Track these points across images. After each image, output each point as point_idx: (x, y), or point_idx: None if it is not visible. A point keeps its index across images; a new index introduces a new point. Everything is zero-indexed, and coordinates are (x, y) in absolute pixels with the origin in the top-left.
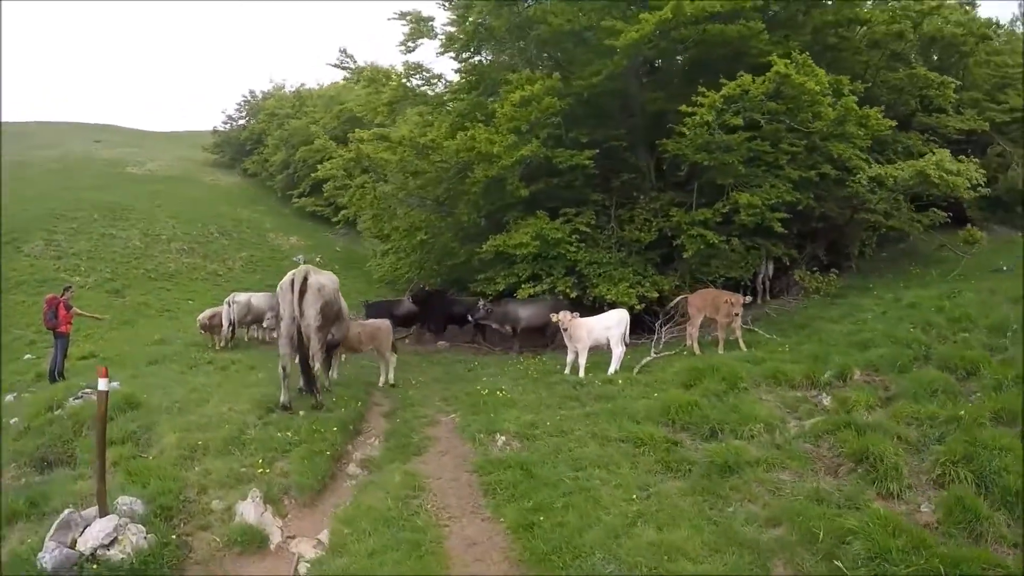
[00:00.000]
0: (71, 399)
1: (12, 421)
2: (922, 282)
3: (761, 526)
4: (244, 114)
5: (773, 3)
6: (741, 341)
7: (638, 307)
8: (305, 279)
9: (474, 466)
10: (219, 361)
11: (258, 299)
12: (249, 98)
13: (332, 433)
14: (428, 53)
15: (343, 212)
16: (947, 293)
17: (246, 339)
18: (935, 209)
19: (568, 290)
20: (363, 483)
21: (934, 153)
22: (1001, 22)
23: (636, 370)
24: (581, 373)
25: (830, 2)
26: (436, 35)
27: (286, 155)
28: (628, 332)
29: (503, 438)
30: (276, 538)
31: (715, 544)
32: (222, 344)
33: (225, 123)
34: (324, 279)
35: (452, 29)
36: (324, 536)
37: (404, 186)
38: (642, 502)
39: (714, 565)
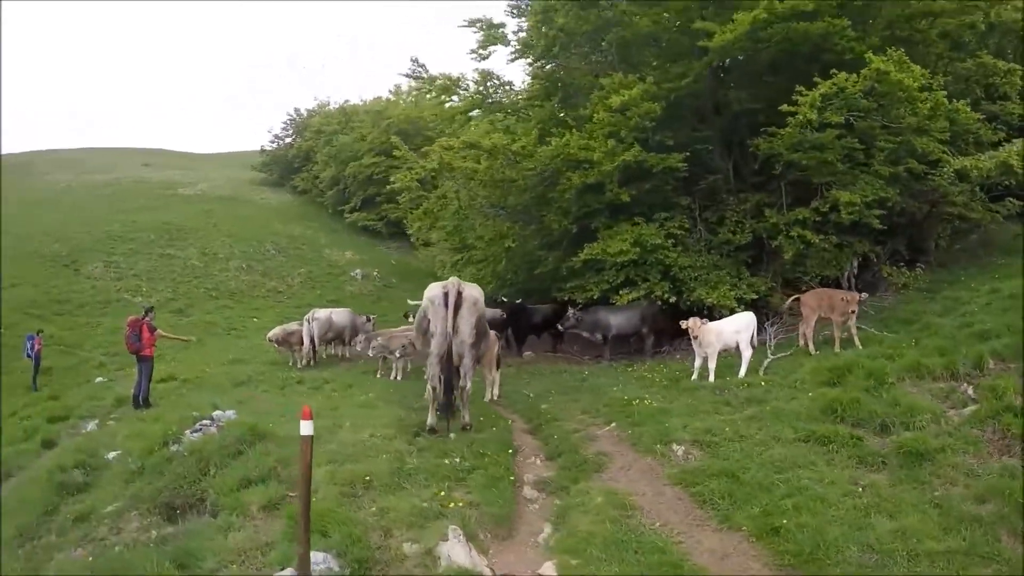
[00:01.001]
0: (188, 432)
1: (110, 456)
2: (1010, 272)
3: (973, 504)
4: (290, 132)
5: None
6: (856, 339)
7: (739, 309)
8: (459, 292)
9: (671, 478)
10: (309, 381)
11: (339, 315)
12: (295, 116)
13: (504, 456)
14: (495, 61)
15: (417, 224)
16: None
17: (324, 356)
18: (1011, 199)
19: (665, 295)
20: (554, 507)
21: (1012, 143)
22: None
23: (761, 372)
24: (711, 378)
25: None
26: (509, 41)
27: (336, 171)
28: (756, 335)
29: (681, 447)
30: None
31: (945, 524)
32: (303, 362)
33: (272, 142)
34: (476, 292)
35: (524, 35)
36: (550, 570)
37: (489, 196)
38: (863, 496)
39: (955, 542)
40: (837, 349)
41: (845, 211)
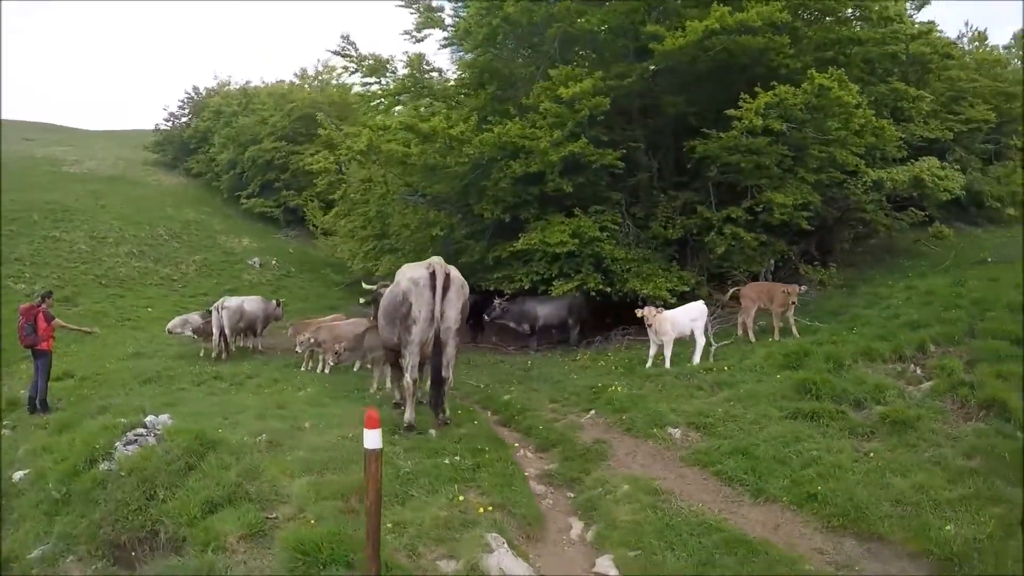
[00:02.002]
0: (120, 444)
1: (16, 477)
2: (918, 273)
3: (964, 460)
4: (187, 112)
5: (793, 20)
6: (795, 328)
7: (671, 301)
8: (447, 274)
9: (686, 460)
10: (228, 376)
11: (251, 304)
12: (193, 95)
13: (503, 451)
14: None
15: (335, 210)
16: (954, 281)
17: (234, 348)
18: (913, 209)
19: (598, 286)
20: (569, 500)
21: (923, 159)
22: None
23: (711, 359)
24: (668, 364)
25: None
26: (447, 26)
27: (234, 154)
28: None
29: (678, 430)
30: None
31: (948, 477)
32: (215, 355)
33: (167, 120)
34: (460, 274)
35: (462, 21)
36: (608, 567)
37: (419, 182)
38: (871, 460)
39: (963, 490)
40: (776, 337)
41: (778, 212)
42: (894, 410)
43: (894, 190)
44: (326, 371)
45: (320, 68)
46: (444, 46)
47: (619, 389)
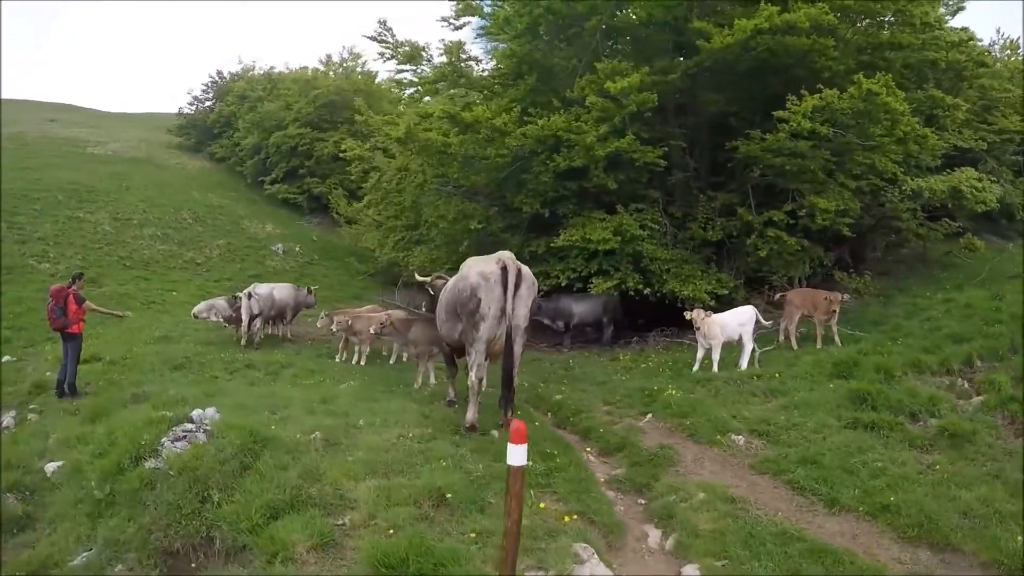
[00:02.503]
0: (167, 441)
1: (49, 469)
2: (955, 284)
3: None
4: (211, 96)
5: (837, 23)
6: (837, 337)
7: (711, 304)
8: (519, 269)
9: (756, 468)
10: (262, 364)
11: (281, 291)
12: (217, 79)
13: (573, 454)
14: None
15: (367, 198)
16: (992, 295)
17: (263, 336)
18: (947, 220)
19: (637, 286)
20: (640, 507)
21: (962, 170)
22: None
23: (756, 364)
24: (715, 368)
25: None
26: (486, 14)
27: (258, 139)
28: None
29: (741, 437)
30: None
31: (1010, 491)
32: (244, 342)
33: (191, 104)
34: (530, 271)
35: (502, 10)
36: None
37: (458, 172)
38: (934, 472)
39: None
40: (819, 345)
41: (820, 217)
42: (951, 423)
43: (931, 199)
44: (362, 362)
45: (346, 55)
46: (480, 35)
47: (673, 393)
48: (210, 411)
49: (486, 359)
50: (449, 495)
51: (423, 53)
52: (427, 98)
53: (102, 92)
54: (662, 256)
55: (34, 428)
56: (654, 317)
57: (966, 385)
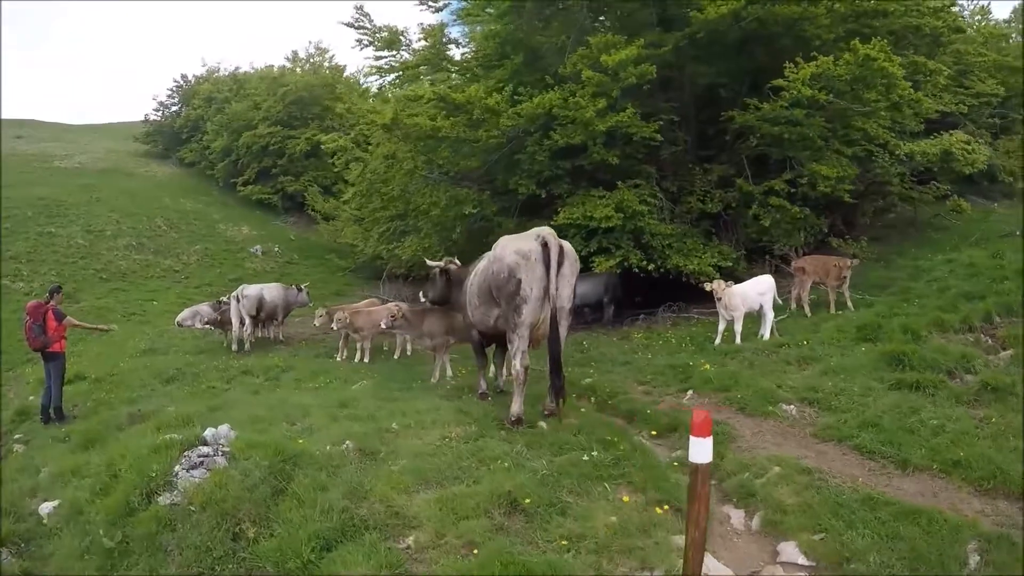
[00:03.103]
0: (180, 469)
1: (44, 511)
2: (951, 246)
3: None
4: (177, 100)
5: None
6: (850, 301)
7: (716, 277)
8: (561, 246)
9: (817, 436)
10: (259, 370)
11: (271, 291)
12: (182, 83)
13: (632, 440)
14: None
15: (352, 189)
16: (992, 254)
17: (254, 339)
18: (935, 183)
19: (640, 262)
20: (718, 487)
21: (952, 133)
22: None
23: (769, 335)
24: (738, 340)
25: None
26: None
27: (228, 141)
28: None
29: (792, 406)
30: None
31: None
32: (235, 347)
33: (157, 110)
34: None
35: None
36: (792, 553)
37: (448, 157)
38: (990, 426)
39: None
40: (832, 310)
41: (822, 184)
42: (990, 378)
43: (923, 163)
44: (365, 359)
45: (312, 50)
46: (458, 19)
47: (708, 367)
48: (223, 429)
49: (529, 345)
50: (523, 500)
51: (402, 38)
52: (405, 85)
53: (65, 106)
54: (663, 231)
55: (21, 461)
56: (650, 294)
57: (989, 341)
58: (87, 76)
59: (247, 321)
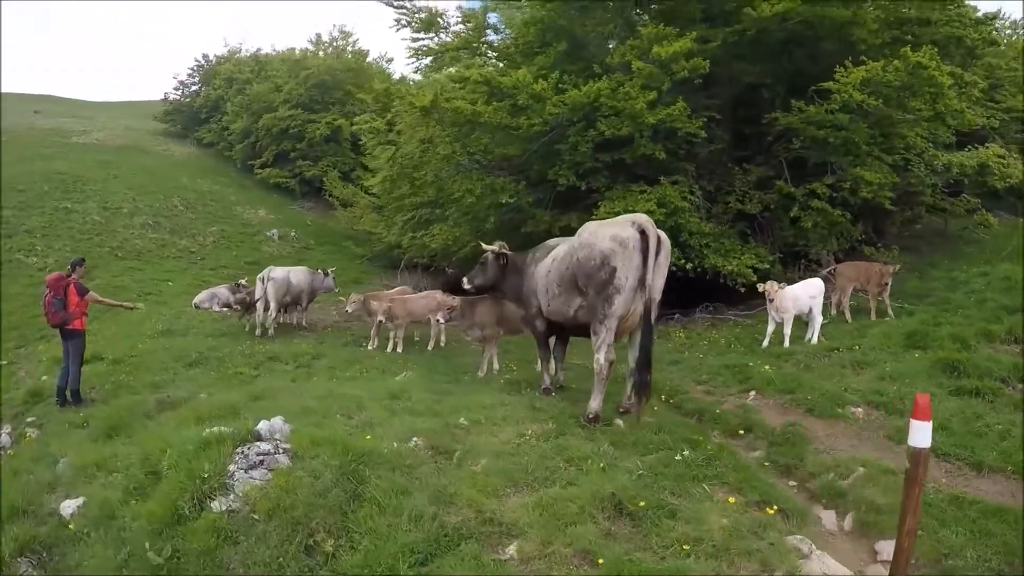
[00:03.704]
0: (236, 469)
1: (66, 510)
2: (983, 259)
3: None
4: (197, 80)
5: None
6: (890, 309)
7: (753, 279)
8: (659, 236)
9: (890, 438)
10: (288, 356)
11: (297, 275)
12: (203, 63)
13: (714, 440)
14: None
15: (383, 173)
16: None
17: (274, 324)
18: (966, 196)
19: (677, 261)
20: (802, 488)
21: (987, 146)
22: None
23: (817, 339)
24: (787, 343)
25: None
26: None
27: (247, 122)
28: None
29: (859, 409)
30: None
31: None
32: (260, 331)
33: (177, 89)
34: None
35: None
36: (890, 552)
37: (488, 144)
38: None
39: None
40: (872, 317)
41: (865, 189)
42: None
43: (959, 175)
44: (399, 349)
45: (336, 34)
46: (497, 4)
47: (767, 369)
48: (277, 422)
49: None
50: (630, 502)
51: (440, 20)
52: (442, 70)
53: (84, 82)
54: (702, 230)
55: (36, 449)
56: (684, 294)
57: None
58: (106, 54)
59: (272, 305)
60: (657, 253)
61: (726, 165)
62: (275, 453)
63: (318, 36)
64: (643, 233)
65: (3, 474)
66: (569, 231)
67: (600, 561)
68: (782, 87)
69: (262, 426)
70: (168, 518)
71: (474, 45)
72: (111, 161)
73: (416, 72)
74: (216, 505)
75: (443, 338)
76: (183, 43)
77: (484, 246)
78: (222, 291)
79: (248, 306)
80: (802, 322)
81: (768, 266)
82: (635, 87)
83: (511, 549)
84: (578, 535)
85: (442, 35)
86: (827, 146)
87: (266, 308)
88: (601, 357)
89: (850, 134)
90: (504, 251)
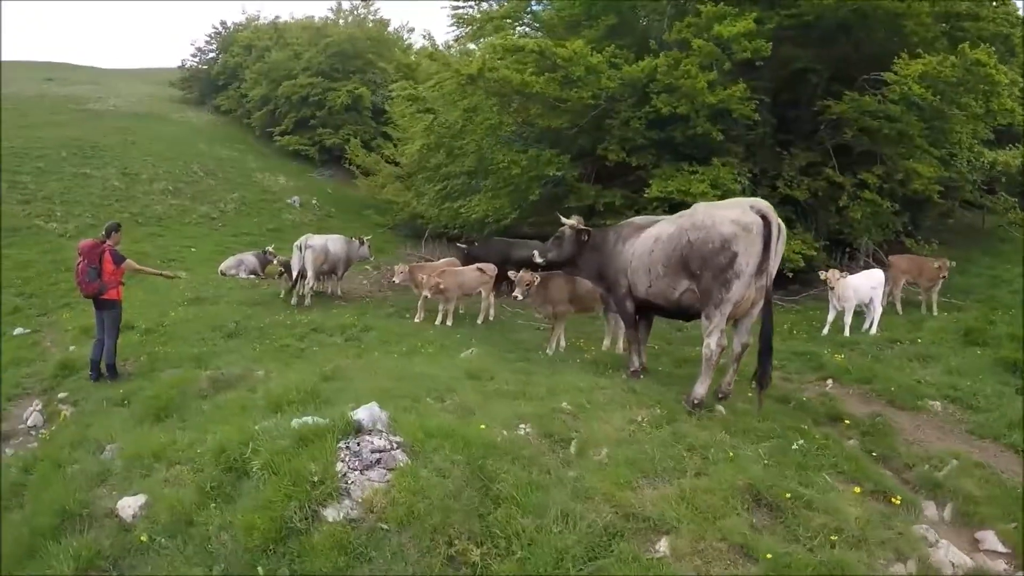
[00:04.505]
0: (348, 470)
1: (128, 513)
2: (1022, 257)
3: None
4: (215, 47)
5: None
6: (935, 305)
7: (801, 264)
8: (779, 221)
9: (973, 433)
10: (330, 328)
11: (335, 243)
12: (221, 30)
13: (813, 428)
14: None
15: (420, 142)
16: None
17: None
18: (1002, 194)
19: None
20: (898, 478)
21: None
22: None
23: (875, 330)
24: (847, 332)
25: None
26: None
27: (266, 90)
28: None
29: (936, 403)
30: None
31: None
32: (295, 300)
33: (194, 55)
34: None
35: None
36: (992, 542)
37: (536, 116)
38: None
39: None
40: (924, 311)
41: (916, 182)
42: None
43: (1003, 172)
44: (448, 323)
45: (357, 3)
46: None
47: (839, 358)
48: (374, 409)
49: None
50: (770, 493)
51: None
52: (471, 45)
53: (99, 50)
54: None
55: (74, 431)
56: None
57: None
58: (123, 22)
59: (309, 274)
60: (777, 240)
61: (772, 149)
62: (391, 449)
63: (339, 4)
64: (765, 219)
65: (44, 467)
66: (613, 207)
67: (768, 556)
68: (826, 73)
69: (362, 415)
70: (274, 531)
71: (516, 15)
72: (129, 127)
73: (456, 41)
74: (331, 514)
75: (492, 312)
76: (201, 10)
77: (564, 220)
78: (249, 258)
79: (288, 272)
80: (855, 311)
81: (815, 252)
82: (693, 65)
83: (662, 546)
84: (728, 528)
85: (484, 3)
86: (878, 136)
87: (302, 277)
88: (712, 342)
89: (904, 126)
90: (580, 226)
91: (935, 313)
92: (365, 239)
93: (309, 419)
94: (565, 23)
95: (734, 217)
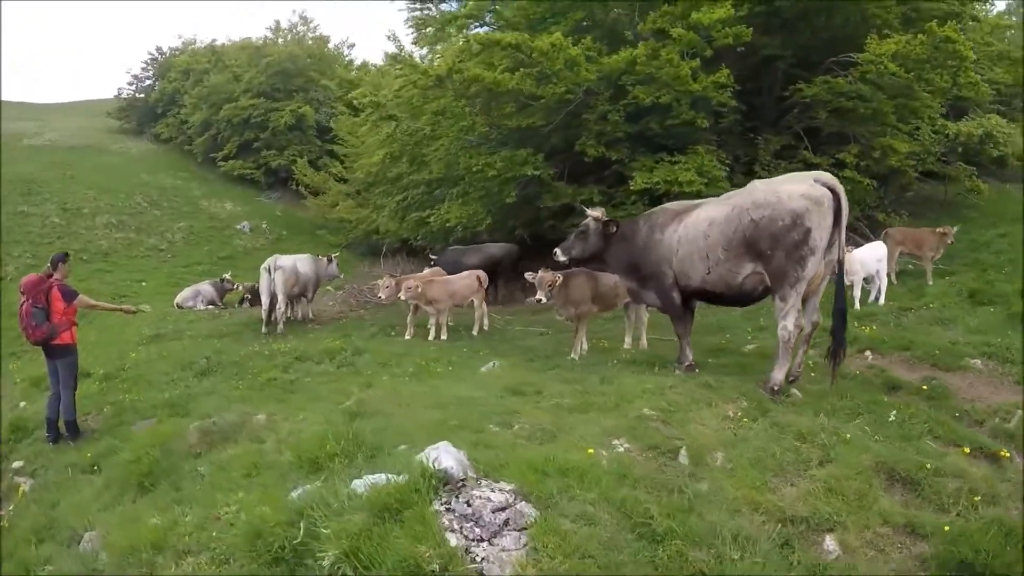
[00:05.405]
0: (470, 545)
1: None
2: (989, 222)
3: None
4: (152, 74)
5: None
6: (930, 273)
7: None
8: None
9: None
10: (318, 355)
11: (304, 263)
12: (157, 56)
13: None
14: None
15: (381, 153)
16: None
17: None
18: (960, 163)
19: None
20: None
21: (989, 116)
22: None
23: (883, 300)
24: (857, 305)
25: None
26: None
27: (207, 114)
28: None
29: (977, 361)
30: None
31: None
32: (267, 329)
33: (131, 84)
34: None
35: None
36: None
37: (509, 115)
38: None
39: None
40: (929, 281)
41: (893, 158)
42: None
43: (966, 143)
44: (442, 336)
45: (296, 20)
46: None
47: (866, 329)
48: (450, 449)
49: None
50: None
51: None
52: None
53: (33, 85)
54: None
55: (38, 514)
56: None
57: None
58: (54, 54)
59: (280, 298)
60: (846, 213)
61: (742, 136)
62: (514, 503)
63: (277, 23)
64: (834, 191)
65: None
66: (589, 204)
67: (946, 529)
68: (790, 60)
69: (446, 461)
70: None
71: (479, 15)
72: (67, 161)
73: (414, 43)
74: None
75: (486, 321)
76: (135, 37)
77: (588, 211)
78: (206, 287)
79: (256, 297)
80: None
81: None
82: (674, 53)
83: (830, 543)
84: (887, 511)
85: (445, 5)
86: (851, 116)
87: (272, 302)
88: (789, 324)
89: (878, 105)
90: (600, 217)
91: (930, 282)
92: (333, 256)
93: (380, 477)
94: (531, 20)
95: (803, 191)
